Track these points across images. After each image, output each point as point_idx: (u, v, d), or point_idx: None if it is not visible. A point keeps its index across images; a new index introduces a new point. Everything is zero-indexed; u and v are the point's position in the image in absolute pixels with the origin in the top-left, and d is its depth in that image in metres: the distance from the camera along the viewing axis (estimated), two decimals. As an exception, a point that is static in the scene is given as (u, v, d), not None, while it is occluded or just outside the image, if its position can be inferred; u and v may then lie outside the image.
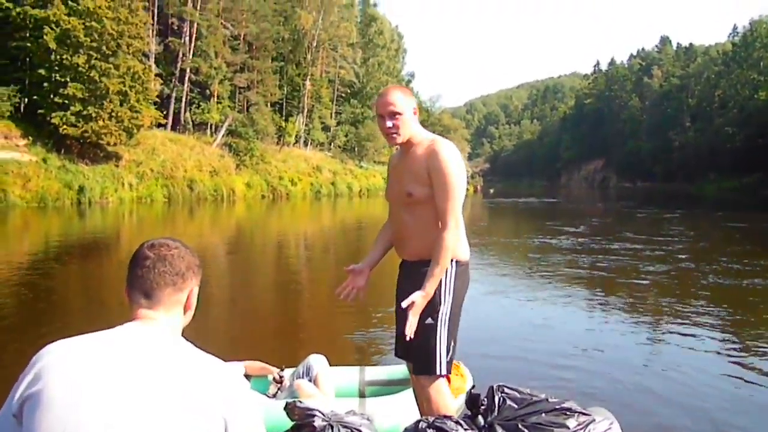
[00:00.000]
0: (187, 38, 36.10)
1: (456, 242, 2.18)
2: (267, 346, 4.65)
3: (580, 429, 1.78)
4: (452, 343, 2.21)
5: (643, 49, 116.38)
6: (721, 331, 5.29)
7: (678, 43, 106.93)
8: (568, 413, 1.80)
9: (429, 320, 2.16)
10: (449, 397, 2.22)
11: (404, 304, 2.11)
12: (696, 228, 17.51)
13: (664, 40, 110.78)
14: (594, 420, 1.82)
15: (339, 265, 10.55)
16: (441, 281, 2.18)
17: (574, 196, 54.82)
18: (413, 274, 2.22)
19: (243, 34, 40.94)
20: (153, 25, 33.58)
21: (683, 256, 10.51)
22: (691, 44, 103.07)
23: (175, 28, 36.72)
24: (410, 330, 2.10)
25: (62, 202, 21.42)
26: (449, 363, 2.18)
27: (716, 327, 5.43)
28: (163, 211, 22.83)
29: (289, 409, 1.94)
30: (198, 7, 36.33)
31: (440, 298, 2.18)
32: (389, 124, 2.22)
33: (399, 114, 2.21)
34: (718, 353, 4.60)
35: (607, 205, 35.82)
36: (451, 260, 2.20)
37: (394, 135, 2.23)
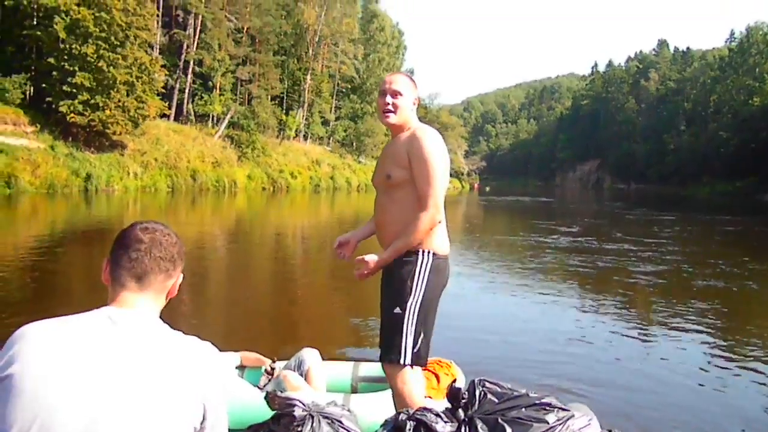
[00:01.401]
0: (192, 30, 36.48)
1: (430, 227, 2.16)
2: (262, 338, 4.67)
3: (559, 424, 1.78)
4: (422, 336, 2.17)
5: (640, 51, 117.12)
6: (709, 333, 5.29)
7: (675, 47, 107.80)
8: (547, 408, 1.82)
9: (397, 309, 2.15)
10: (416, 388, 2.18)
11: (357, 259, 2.22)
12: (688, 230, 17.69)
13: (662, 44, 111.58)
14: (573, 416, 1.83)
15: (335, 258, 10.80)
16: (414, 272, 2.17)
17: (568, 196, 55.31)
18: (395, 264, 2.21)
19: (246, 28, 41.27)
20: (158, 16, 33.96)
21: (674, 258, 10.58)
22: (688, 48, 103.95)
23: (180, 20, 37.09)
24: (358, 274, 2.22)
25: (70, 189, 21.82)
26: (416, 355, 2.15)
27: (705, 328, 5.43)
28: (166, 201, 23.24)
29: (270, 398, 1.93)
30: (203, 0, 36.74)
31: (410, 289, 2.15)
32: (388, 100, 2.24)
33: (400, 94, 2.24)
34: (705, 355, 4.62)
35: (600, 205, 36.16)
36: (427, 252, 2.19)
37: (390, 112, 2.24)
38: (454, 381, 2.71)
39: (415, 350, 2.15)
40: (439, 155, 2.19)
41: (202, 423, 1.20)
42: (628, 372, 4.10)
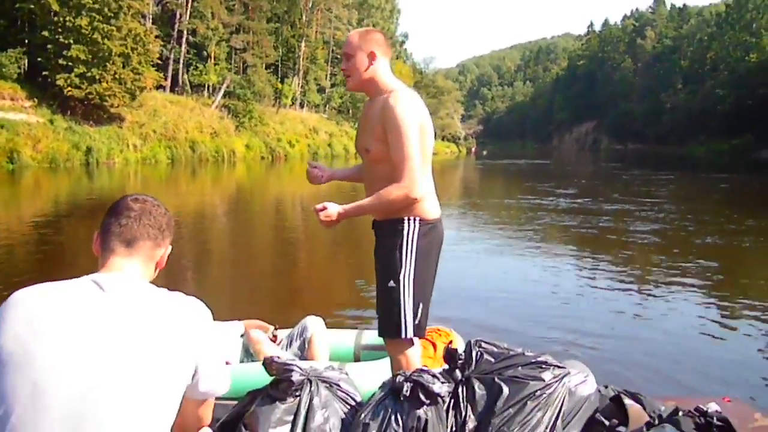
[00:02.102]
0: (185, -1, 35.87)
1: (404, 202, 2.02)
2: (266, 306, 4.67)
3: (555, 381, 1.79)
4: (420, 306, 2.08)
5: (636, 9, 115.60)
6: (706, 288, 5.33)
7: (672, 4, 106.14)
8: (543, 366, 1.82)
9: (391, 283, 2.06)
10: (416, 359, 2.12)
11: (317, 207, 2.07)
12: (685, 189, 17.86)
13: (659, 1, 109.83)
14: (569, 373, 1.84)
15: (331, 234, 11.03)
16: (402, 241, 2.05)
17: (566, 158, 55.38)
18: (384, 234, 2.12)
19: (239, -6, 40.59)
20: (150, -16, 33.31)
21: (670, 216, 10.71)
22: (684, 5, 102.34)
23: (172, -13, 36.43)
24: (321, 222, 2.06)
25: (72, 163, 21.84)
26: (417, 326, 2.07)
27: (702, 284, 5.47)
28: (166, 172, 23.35)
29: (267, 364, 1.91)
30: (195, -34, 35.99)
31: (400, 260, 2.05)
32: (343, 65, 2.13)
33: (351, 55, 2.09)
34: (702, 309, 4.67)
35: (597, 166, 36.35)
36: (414, 218, 2.06)
37: (348, 78, 2.13)
38: (450, 343, 2.67)
39: (416, 322, 2.06)
40: (412, 123, 1.99)
41: (193, 377, 1.22)
42: (624, 329, 4.17)
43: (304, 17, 48.39)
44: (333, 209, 2.05)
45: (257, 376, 2.04)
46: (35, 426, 1.05)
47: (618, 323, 4.38)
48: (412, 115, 2.00)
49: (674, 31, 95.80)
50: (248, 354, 2.86)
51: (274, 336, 2.94)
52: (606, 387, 1.96)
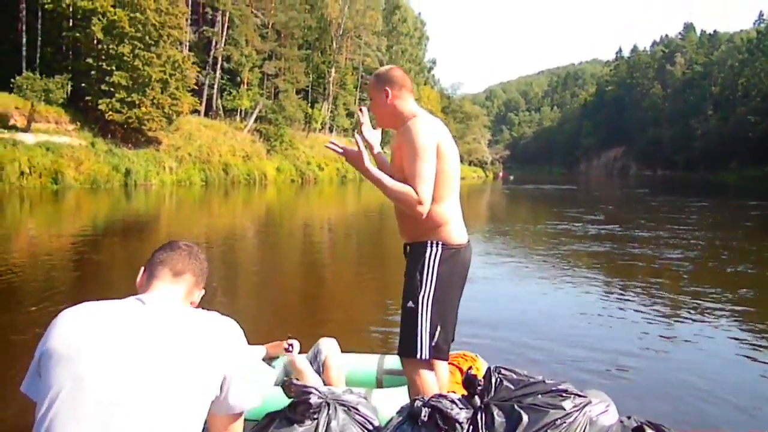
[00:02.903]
0: (220, 27, 36.99)
1: (409, 209, 2.08)
2: (289, 327, 4.56)
3: (576, 411, 1.75)
4: (438, 329, 2.10)
5: (666, 36, 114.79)
6: (736, 320, 5.16)
7: (702, 30, 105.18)
8: (564, 395, 1.78)
9: (410, 303, 2.10)
10: (432, 382, 2.13)
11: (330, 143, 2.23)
12: (716, 216, 17.42)
13: (688, 27, 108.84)
14: (590, 402, 1.80)
15: (361, 248, 10.52)
16: (423, 264, 2.11)
17: (594, 184, 54.62)
18: (410, 256, 2.19)
19: (272, 23, 41.61)
20: (188, 14, 34.52)
21: (701, 244, 10.46)
22: (715, 31, 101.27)
23: (209, 17, 37.67)
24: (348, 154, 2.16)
25: (111, 184, 22.54)
26: (434, 348, 2.09)
27: (732, 316, 5.31)
28: (200, 194, 23.85)
29: (286, 386, 1.91)
30: (230, -3, 37.23)
31: (420, 281, 2.10)
32: (370, 107, 2.30)
33: (371, 98, 2.25)
34: (731, 342, 4.52)
35: (626, 192, 35.81)
36: (437, 242, 2.13)
37: (376, 121, 2.30)
38: (470, 368, 2.70)
39: (432, 344, 2.08)
40: (425, 144, 2.06)
41: (221, 392, 1.27)
42: (650, 358, 4.07)
43: (334, 44, 49.41)
44: (364, 157, 2.11)
45: (276, 398, 2.05)
46: (73, 415, 1.15)
47: (644, 352, 4.27)
48: (425, 136, 2.07)
49: (704, 57, 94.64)
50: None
51: (290, 345, 2.87)
52: (629, 418, 1.92)
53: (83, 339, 1.21)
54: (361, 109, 2.42)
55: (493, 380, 1.87)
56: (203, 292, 1.48)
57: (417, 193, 2.04)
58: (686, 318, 5.28)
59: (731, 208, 21.32)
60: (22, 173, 18.92)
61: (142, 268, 1.45)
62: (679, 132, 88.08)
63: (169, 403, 1.20)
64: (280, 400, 1.96)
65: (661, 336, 4.70)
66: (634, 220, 15.37)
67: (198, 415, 1.25)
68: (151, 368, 1.20)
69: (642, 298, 6.16)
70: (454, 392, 2.09)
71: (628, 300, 6.03)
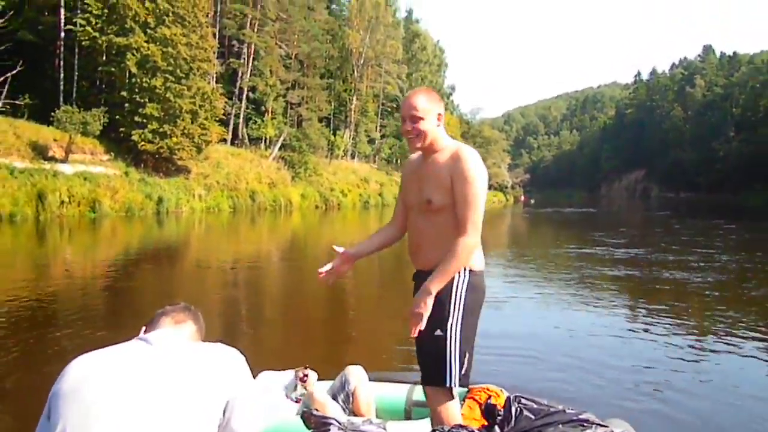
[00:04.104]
0: (246, 59, 38.03)
1: (472, 252, 2.06)
2: (313, 355, 4.58)
3: None
4: (466, 356, 2.07)
5: (685, 58, 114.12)
6: (767, 348, 4.97)
7: (722, 52, 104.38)
8: (585, 425, 1.75)
9: (438, 332, 2.05)
10: (457, 411, 2.09)
11: (411, 311, 2.05)
12: (742, 239, 17.14)
13: (707, 49, 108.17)
14: (612, 431, 1.73)
15: (384, 272, 10.56)
16: (451, 291, 2.07)
17: (615, 207, 54.06)
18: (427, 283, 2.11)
19: (295, 53, 42.57)
20: (216, 47, 35.62)
21: (729, 268, 10.27)
22: (735, 53, 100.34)
23: (235, 49, 38.81)
24: (415, 330, 2.05)
25: (145, 212, 23.10)
26: (464, 376, 2.06)
27: (762, 342, 5.13)
28: (228, 220, 24.33)
29: (305, 417, 1.92)
30: (255, 30, 38.31)
31: (449, 309, 2.06)
32: (408, 127, 2.13)
33: (420, 118, 2.11)
34: (760, 371, 4.37)
35: (648, 215, 35.35)
36: (464, 269, 2.09)
37: (414, 139, 2.14)
38: (489, 398, 2.58)
39: (462, 372, 2.05)
40: (482, 178, 2.08)
41: (224, 416, 1.30)
42: (674, 387, 3.95)
43: (355, 73, 50.33)
44: (422, 301, 2.02)
45: (296, 429, 2.04)
46: None
47: (669, 379, 4.14)
48: (483, 170, 2.09)
49: (725, 79, 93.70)
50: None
51: (305, 375, 2.81)
52: None
53: (91, 379, 1.25)
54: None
55: (513, 410, 1.85)
56: None
57: (471, 231, 2.03)
58: (713, 344, 5.14)
59: (757, 231, 20.93)
60: (62, 202, 19.57)
61: (143, 327, 1.49)
62: (701, 154, 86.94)
63: (176, 430, 1.23)
64: (300, 431, 1.96)
65: (686, 363, 4.57)
66: (658, 243, 15.18)
67: None
68: (157, 402, 1.23)
69: (667, 323, 6.03)
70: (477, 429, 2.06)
71: (653, 325, 5.91)
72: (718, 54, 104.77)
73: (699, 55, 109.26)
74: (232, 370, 1.35)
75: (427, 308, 2.02)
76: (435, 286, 2.02)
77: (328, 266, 2.30)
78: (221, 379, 1.31)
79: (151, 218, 22.18)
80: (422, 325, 2.03)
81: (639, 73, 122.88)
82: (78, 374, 1.27)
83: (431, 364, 2.09)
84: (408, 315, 2.06)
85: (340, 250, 2.32)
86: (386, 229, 2.40)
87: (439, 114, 2.16)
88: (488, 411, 1.93)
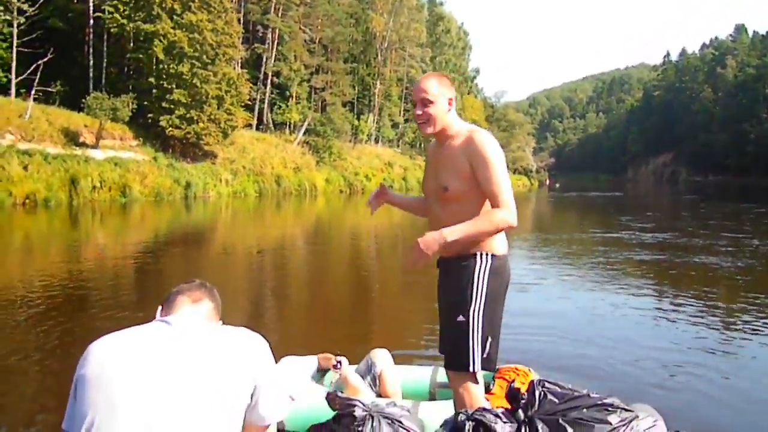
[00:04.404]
0: (270, 44, 38.04)
1: (501, 227, 2.02)
2: (339, 338, 4.64)
3: (623, 425, 1.70)
4: (489, 340, 2.05)
5: (716, 38, 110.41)
6: None
7: (754, 31, 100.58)
8: (610, 409, 1.73)
9: (460, 317, 2.04)
10: (480, 394, 2.08)
11: (414, 244, 2.00)
12: None
13: (739, 29, 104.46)
14: (637, 416, 1.75)
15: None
16: (473, 276, 2.05)
17: (642, 191, 53.03)
18: (452, 269, 2.11)
19: (319, 38, 42.42)
20: (241, 32, 35.69)
21: (760, 252, 10.01)
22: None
23: (260, 34, 38.82)
24: (413, 257, 1.99)
25: (173, 197, 23.51)
26: (486, 360, 2.05)
27: None
28: (254, 205, 24.60)
29: (330, 399, 1.91)
30: (279, 14, 38.25)
31: (471, 295, 2.04)
32: (419, 111, 2.10)
33: (431, 102, 2.08)
34: None
35: (676, 199, 34.56)
36: (487, 254, 2.07)
37: (424, 124, 2.11)
38: (512, 381, 2.56)
39: (484, 356, 2.03)
40: (500, 157, 2.05)
41: (252, 400, 1.30)
42: (701, 372, 3.85)
43: (379, 57, 49.97)
44: (432, 239, 1.98)
45: (321, 411, 2.05)
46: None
47: (695, 364, 4.04)
48: (500, 150, 2.07)
49: (757, 59, 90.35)
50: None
51: (339, 362, 2.84)
52: None
53: (114, 364, 1.24)
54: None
55: (537, 394, 1.82)
56: (221, 324, 1.47)
57: (505, 206, 2.00)
58: (743, 330, 5.02)
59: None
60: (93, 187, 20.04)
61: (159, 307, 1.46)
62: (731, 136, 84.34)
63: (204, 420, 1.22)
64: (325, 413, 1.95)
65: (713, 348, 4.48)
66: (685, 228, 14.85)
67: (234, 428, 1.28)
68: (182, 387, 1.22)
69: (694, 308, 5.91)
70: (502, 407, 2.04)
71: (680, 310, 5.81)
72: (750, 33, 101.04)
73: (731, 35, 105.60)
74: (257, 355, 1.34)
75: (431, 249, 1.98)
76: (453, 235, 1.97)
77: (371, 198, 2.46)
78: (246, 363, 1.30)
79: (179, 203, 22.54)
80: (417, 263, 1.99)
81: (668, 54, 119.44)
82: (102, 359, 1.26)
83: (453, 350, 2.08)
84: (411, 245, 2.01)
85: (375, 192, 2.46)
86: (422, 199, 2.42)
87: (450, 99, 2.12)
88: (511, 394, 1.90)
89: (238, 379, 1.28)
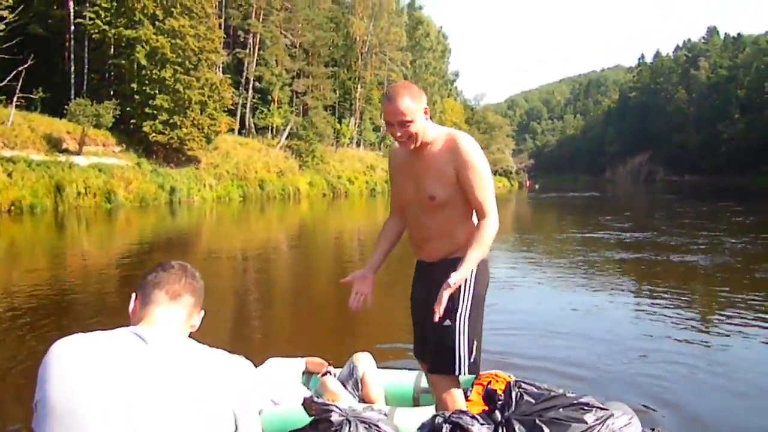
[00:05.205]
0: (251, 49, 37.93)
1: (494, 235, 2.02)
2: (325, 341, 4.58)
3: (598, 424, 1.70)
4: (475, 344, 2.05)
5: (689, 40, 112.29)
6: None
7: (726, 33, 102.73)
8: (586, 408, 1.73)
9: (447, 322, 2.01)
10: (461, 400, 2.08)
11: (437, 304, 1.93)
12: (748, 221, 16.88)
13: (711, 31, 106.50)
14: (612, 415, 1.76)
15: (390, 260, 11.01)
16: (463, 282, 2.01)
17: (620, 191, 53.76)
18: (438, 274, 2.01)
19: (300, 42, 42.42)
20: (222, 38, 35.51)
21: (734, 250, 10.12)
22: (739, 34, 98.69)
23: (241, 39, 38.69)
24: (441, 305, 1.92)
25: (158, 202, 23.33)
26: (472, 364, 2.03)
27: (766, 323, 5.00)
28: (239, 209, 24.49)
29: (306, 404, 1.89)
30: (260, 19, 38.17)
31: (458, 300, 2.02)
32: (399, 133, 2.00)
33: (410, 122, 1.97)
34: (764, 352, 4.28)
35: (653, 198, 35.13)
36: None
37: (405, 142, 2.02)
38: (489, 383, 2.55)
39: (471, 360, 2.03)
40: (485, 162, 2.04)
41: (235, 428, 1.20)
42: (677, 370, 3.85)
43: (360, 61, 50.08)
44: (460, 279, 1.95)
45: (298, 416, 2.00)
46: None
47: (672, 362, 4.01)
48: (482, 153, 2.05)
49: (729, 61, 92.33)
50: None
51: (327, 372, 2.79)
52: (653, 430, 1.94)
53: (82, 391, 1.09)
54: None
55: (514, 395, 1.83)
56: (203, 313, 1.37)
57: (490, 213, 2.02)
58: (719, 327, 5.02)
59: (763, 213, 20.74)
60: (78, 193, 19.86)
61: (134, 294, 1.33)
62: (705, 137, 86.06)
63: None
64: (302, 418, 1.92)
65: (690, 345, 4.47)
66: (662, 227, 15.06)
67: None
68: (159, 418, 1.10)
69: (672, 306, 5.90)
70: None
71: (656, 308, 5.80)
72: (722, 35, 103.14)
73: (703, 37, 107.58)
74: (238, 383, 1.23)
75: (456, 286, 1.97)
76: (468, 267, 1.96)
77: (352, 296, 2.22)
78: (228, 392, 1.20)
79: (164, 208, 22.39)
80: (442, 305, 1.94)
81: (642, 56, 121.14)
82: (70, 387, 1.10)
83: (441, 354, 2.06)
84: (434, 307, 1.94)
85: (349, 278, 2.24)
86: (390, 227, 2.32)
87: (426, 109, 2.03)
88: (488, 396, 1.90)
89: (219, 410, 1.18)
